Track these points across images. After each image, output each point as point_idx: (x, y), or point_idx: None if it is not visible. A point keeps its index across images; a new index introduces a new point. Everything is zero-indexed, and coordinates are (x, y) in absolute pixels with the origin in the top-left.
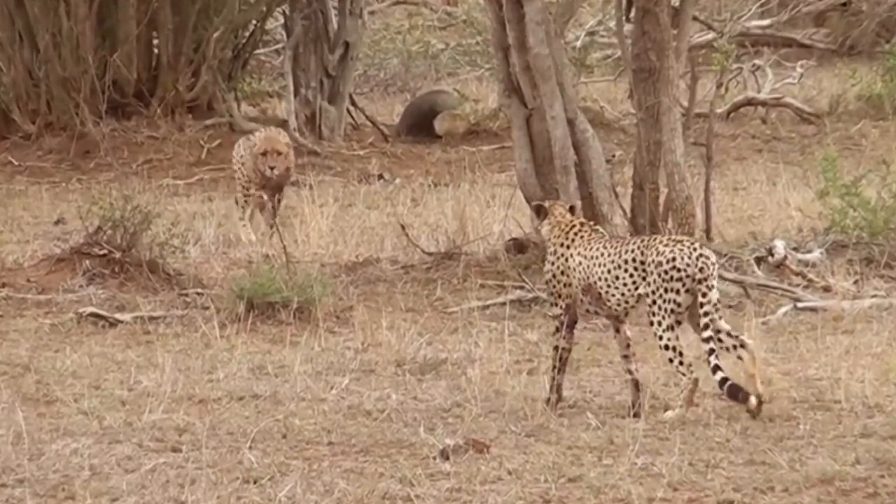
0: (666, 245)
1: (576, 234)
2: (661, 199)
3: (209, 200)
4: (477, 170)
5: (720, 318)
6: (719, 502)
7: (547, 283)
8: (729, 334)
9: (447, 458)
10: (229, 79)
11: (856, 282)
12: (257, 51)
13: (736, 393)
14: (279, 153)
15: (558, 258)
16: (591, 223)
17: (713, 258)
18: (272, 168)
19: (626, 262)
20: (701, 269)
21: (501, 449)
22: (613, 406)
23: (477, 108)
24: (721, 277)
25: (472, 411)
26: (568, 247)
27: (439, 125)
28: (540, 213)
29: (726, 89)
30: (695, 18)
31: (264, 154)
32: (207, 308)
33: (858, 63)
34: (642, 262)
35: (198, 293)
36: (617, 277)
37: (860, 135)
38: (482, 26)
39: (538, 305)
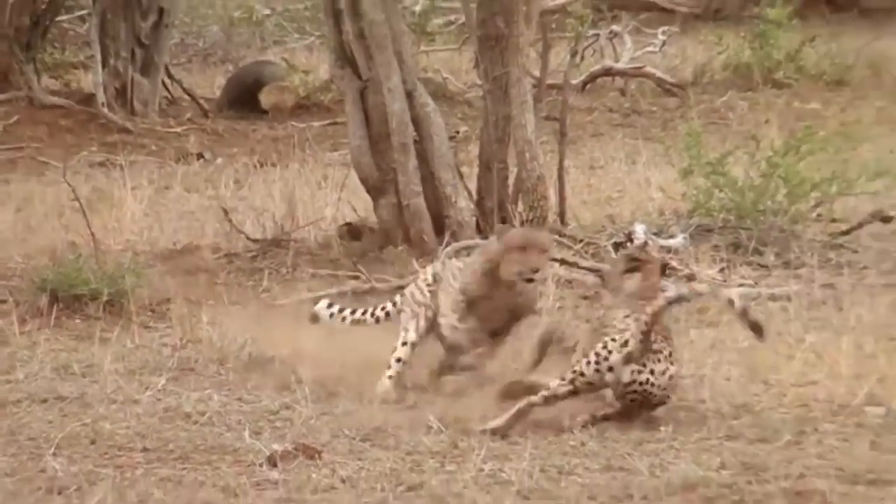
0: None
1: None
2: (511, 180)
3: (6, 183)
4: (307, 148)
5: None
6: None
7: None
8: None
9: (275, 465)
10: (28, 48)
11: (722, 269)
12: (59, 17)
13: None
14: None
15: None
16: None
17: None
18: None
19: None
20: None
21: (334, 455)
22: (457, 408)
23: (306, 79)
24: (576, 266)
25: (303, 414)
26: None
27: (265, 99)
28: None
29: (582, 58)
30: None
31: (523, 250)
32: (5, 301)
33: (725, 29)
34: None
35: None
36: None
37: (727, 107)
38: None
39: (375, 297)
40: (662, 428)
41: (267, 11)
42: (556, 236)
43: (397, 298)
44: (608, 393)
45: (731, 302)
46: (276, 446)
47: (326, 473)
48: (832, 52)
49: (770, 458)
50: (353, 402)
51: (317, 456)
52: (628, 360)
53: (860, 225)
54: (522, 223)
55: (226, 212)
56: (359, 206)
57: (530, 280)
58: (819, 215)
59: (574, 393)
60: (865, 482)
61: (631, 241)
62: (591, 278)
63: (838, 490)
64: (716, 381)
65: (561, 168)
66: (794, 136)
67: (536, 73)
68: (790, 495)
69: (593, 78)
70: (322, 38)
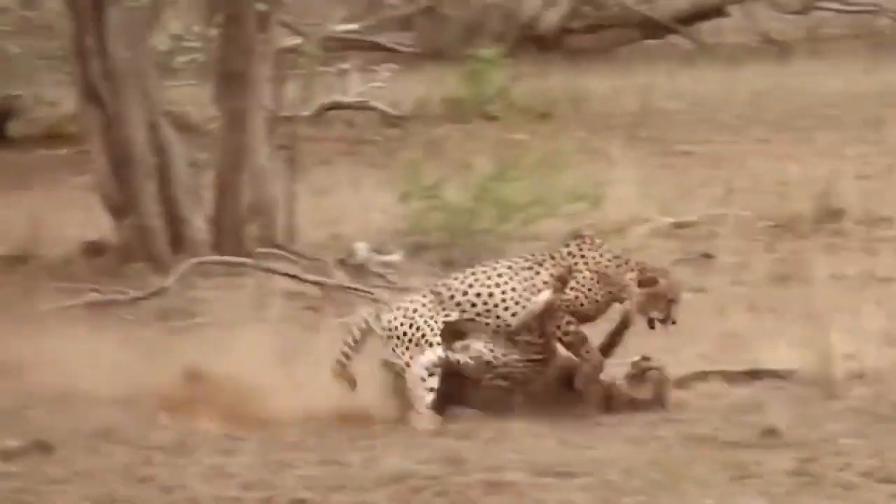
0: None
1: None
2: (246, 203)
3: None
4: (55, 173)
5: None
6: (291, 501)
7: None
8: None
9: (9, 460)
10: None
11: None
12: None
13: None
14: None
15: None
16: None
17: None
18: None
19: None
20: None
21: (68, 450)
22: (184, 404)
23: (54, 111)
24: (299, 279)
25: (39, 413)
26: None
27: (13, 128)
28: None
29: (313, 93)
30: (281, 23)
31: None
32: None
33: (443, 67)
34: None
35: None
36: None
37: (443, 138)
38: (62, 31)
39: (115, 308)
40: (376, 426)
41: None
42: (284, 253)
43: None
44: None
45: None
46: (10, 442)
47: (61, 467)
48: (538, 89)
49: (471, 452)
50: (89, 401)
51: (51, 451)
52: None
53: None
54: (254, 243)
55: None
56: (102, 225)
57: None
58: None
59: None
60: (553, 474)
61: (353, 257)
62: (315, 290)
63: (529, 481)
64: None
65: (291, 192)
66: (503, 163)
67: (271, 106)
68: (487, 486)
69: (322, 111)
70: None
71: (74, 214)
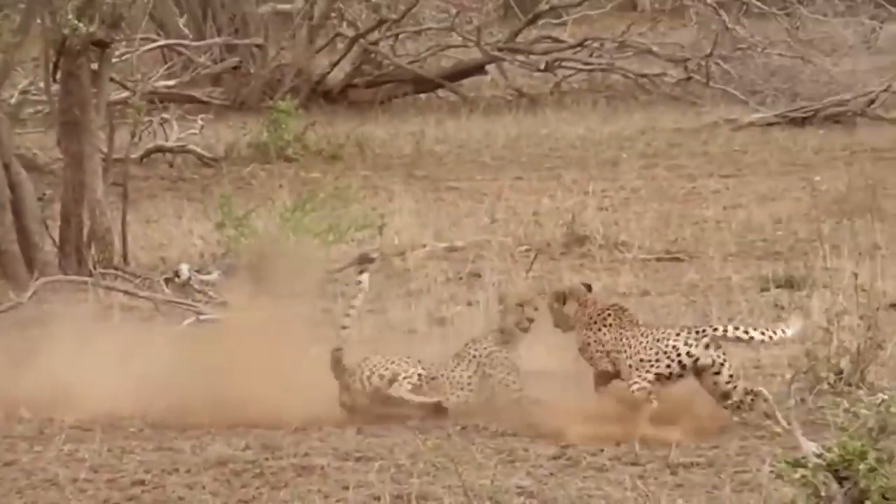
0: None
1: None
2: (86, 231)
3: None
4: None
5: None
6: (133, 482)
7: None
8: None
9: None
10: None
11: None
12: None
13: None
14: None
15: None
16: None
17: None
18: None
19: None
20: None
21: None
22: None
23: None
24: (136, 295)
25: None
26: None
27: None
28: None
29: (139, 138)
30: (112, 79)
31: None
32: None
33: (249, 116)
34: None
35: None
36: None
37: (251, 176)
38: None
39: None
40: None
41: None
42: (120, 273)
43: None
44: None
45: None
46: None
47: None
48: (328, 135)
49: (283, 440)
50: None
51: None
52: None
53: (349, 265)
54: (94, 264)
55: None
56: None
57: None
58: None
59: None
60: (354, 459)
61: (178, 276)
62: (148, 304)
63: (334, 465)
64: None
65: (124, 222)
66: (300, 197)
67: (105, 149)
68: (298, 469)
69: (149, 153)
70: None
71: None
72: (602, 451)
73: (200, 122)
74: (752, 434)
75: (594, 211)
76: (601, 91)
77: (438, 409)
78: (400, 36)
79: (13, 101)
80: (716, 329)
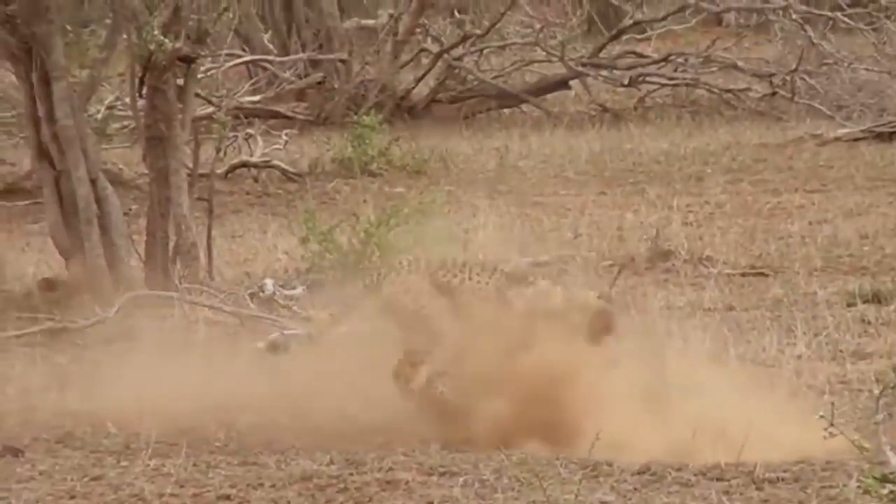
0: None
1: None
2: (171, 246)
3: None
4: (13, 222)
5: None
6: (218, 497)
7: None
8: None
9: None
10: None
11: (332, 314)
12: None
13: None
14: None
15: None
16: None
17: None
18: None
19: None
20: None
21: (34, 454)
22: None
23: (13, 170)
24: (221, 310)
25: (9, 422)
26: None
27: None
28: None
29: (224, 153)
30: (197, 95)
31: None
32: None
33: (332, 131)
34: None
35: None
36: None
37: (335, 191)
38: (17, 101)
39: (66, 335)
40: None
41: None
42: (205, 288)
43: None
44: None
45: None
46: None
47: (28, 468)
48: (412, 150)
49: (367, 455)
50: (49, 412)
51: (20, 454)
52: None
53: None
54: (180, 279)
55: None
56: (53, 264)
57: None
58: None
59: None
60: (439, 474)
61: (262, 291)
62: (233, 319)
63: (418, 480)
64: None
65: (209, 237)
66: (384, 212)
67: (190, 164)
68: (382, 484)
69: (233, 169)
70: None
71: (32, 256)
72: (687, 465)
73: (285, 138)
74: (838, 448)
75: (679, 226)
76: (685, 106)
77: None
78: (484, 51)
79: (100, 116)
80: None
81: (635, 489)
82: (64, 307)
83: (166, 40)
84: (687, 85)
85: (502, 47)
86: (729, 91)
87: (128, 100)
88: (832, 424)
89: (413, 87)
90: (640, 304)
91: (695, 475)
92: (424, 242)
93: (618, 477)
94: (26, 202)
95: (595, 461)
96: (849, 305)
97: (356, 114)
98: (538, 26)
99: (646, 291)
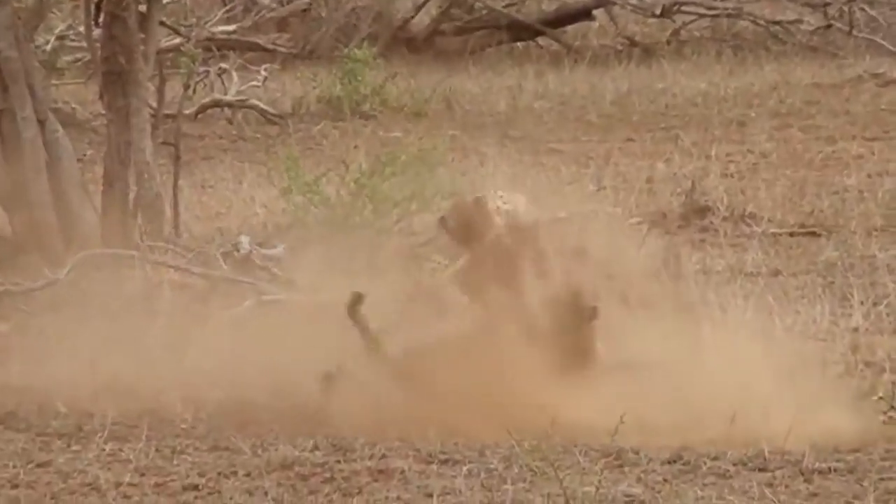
0: None
1: None
2: (132, 197)
3: None
4: None
5: None
6: (184, 486)
7: None
8: None
9: None
10: None
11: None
12: None
13: None
14: None
15: None
16: None
17: None
18: None
19: None
20: None
21: None
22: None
23: None
24: (189, 272)
25: None
26: None
27: None
28: None
29: (194, 91)
30: (162, 23)
31: None
32: None
33: (319, 67)
34: None
35: None
36: None
37: (321, 135)
38: None
39: (9, 299)
40: (263, 413)
41: None
42: (171, 246)
43: None
44: None
45: None
46: None
47: None
48: (411, 88)
49: (356, 441)
50: None
51: None
52: None
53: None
54: (142, 236)
55: None
56: None
57: None
58: (400, 229)
59: None
60: (439, 462)
61: (237, 250)
62: (201, 282)
63: (415, 469)
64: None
65: (175, 187)
66: (378, 160)
67: (154, 104)
68: (374, 473)
69: (204, 109)
70: None
71: None
72: (725, 454)
73: (264, 74)
74: None
75: (717, 178)
76: (727, 40)
77: None
78: None
79: (49, 47)
80: None
81: (665, 480)
82: (7, 267)
83: None
84: (728, 16)
85: None
86: (777, 23)
87: (82, 29)
88: (893, 407)
89: (412, 17)
90: (673, 268)
91: (734, 465)
92: (424, 195)
93: (645, 466)
94: None
95: (619, 448)
96: None
97: (346, 46)
98: None
99: (679, 253)
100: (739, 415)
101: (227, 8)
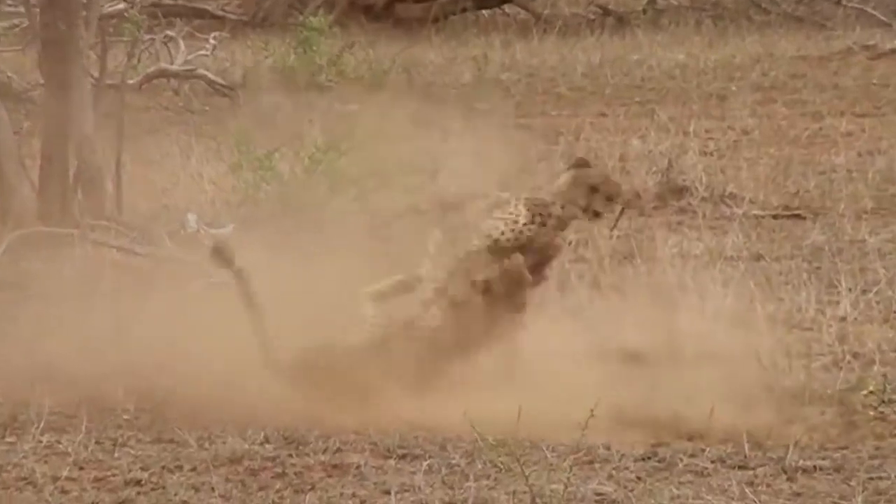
0: None
1: None
2: (72, 172)
3: None
4: None
5: None
6: (126, 482)
7: None
8: None
9: None
10: None
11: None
12: None
13: None
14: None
15: None
16: None
17: None
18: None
19: None
20: None
21: None
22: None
23: None
24: (132, 251)
25: None
26: None
27: None
28: None
29: (138, 60)
30: None
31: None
32: None
33: (271, 35)
34: None
35: None
36: None
37: (274, 108)
38: None
39: None
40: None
41: None
42: (113, 224)
43: None
44: None
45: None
46: None
47: None
48: (370, 58)
49: (310, 433)
50: None
51: None
52: None
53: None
54: (82, 213)
55: None
56: None
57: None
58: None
59: None
60: (397, 457)
61: (184, 229)
62: (146, 263)
63: (372, 464)
64: None
65: (118, 162)
66: (335, 135)
67: (96, 73)
68: (328, 468)
69: (149, 79)
70: None
71: None
72: (703, 450)
73: (213, 42)
74: (890, 432)
75: (696, 156)
76: (706, 9)
77: None
78: None
79: None
80: None
81: (638, 478)
82: None
83: None
84: None
85: None
86: None
87: None
88: (883, 402)
89: None
90: (648, 251)
91: (712, 462)
92: (382, 172)
93: (617, 463)
94: None
95: (589, 445)
96: None
97: (301, 14)
98: None
99: (654, 235)
100: (718, 409)
101: None
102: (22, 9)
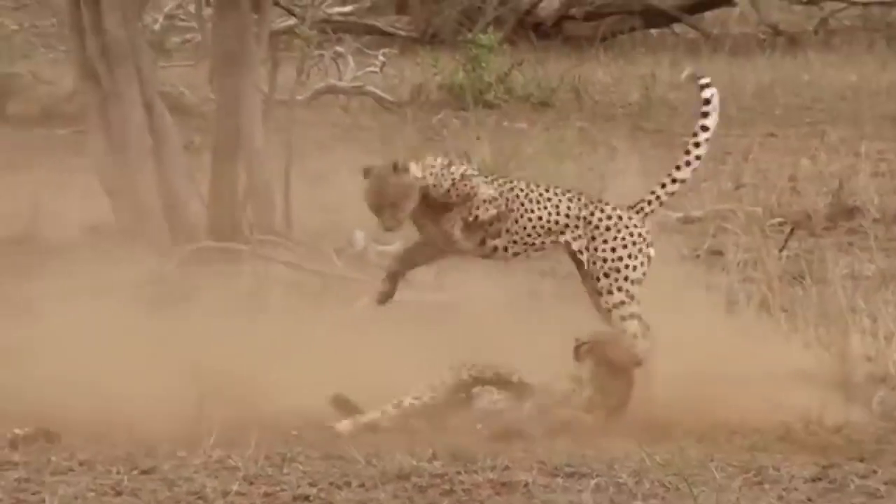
0: None
1: None
2: (242, 187)
3: None
4: (52, 153)
5: None
6: (295, 497)
7: None
8: None
9: (16, 448)
10: None
11: (437, 274)
12: None
13: None
14: None
15: None
16: None
17: None
18: None
19: None
20: None
21: (73, 438)
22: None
23: (51, 90)
24: (300, 268)
25: (43, 400)
26: None
27: (12, 107)
28: None
29: (308, 76)
30: (276, 3)
31: None
32: None
33: (440, 52)
34: None
35: None
36: None
37: (441, 125)
38: (57, 7)
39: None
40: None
41: (15, 27)
42: (281, 240)
43: None
44: None
45: None
46: (17, 430)
47: (65, 456)
48: (538, 76)
49: (478, 450)
50: (89, 391)
51: (57, 440)
52: None
53: None
54: (251, 228)
55: None
56: (99, 206)
57: None
58: None
59: None
60: (565, 475)
61: (352, 246)
62: (315, 279)
63: (540, 482)
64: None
65: (287, 177)
66: (503, 152)
67: (266, 88)
68: (496, 485)
69: (318, 95)
70: (68, 52)
71: (74, 197)
72: (875, 472)
73: (382, 59)
74: None
75: (867, 177)
76: (879, 30)
77: None
78: None
79: (157, 27)
80: None
81: (809, 499)
82: (110, 258)
83: None
84: (881, 3)
85: None
86: None
87: (192, 8)
88: None
89: (540, 0)
90: (819, 272)
91: (885, 483)
92: None
93: (787, 484)
94: (67, 130)
95: (759, 465)
96: None
97: (470, 31)
98: None
99: (825, 256)
100: (888, 433)
101: None
102: (195, 24)
